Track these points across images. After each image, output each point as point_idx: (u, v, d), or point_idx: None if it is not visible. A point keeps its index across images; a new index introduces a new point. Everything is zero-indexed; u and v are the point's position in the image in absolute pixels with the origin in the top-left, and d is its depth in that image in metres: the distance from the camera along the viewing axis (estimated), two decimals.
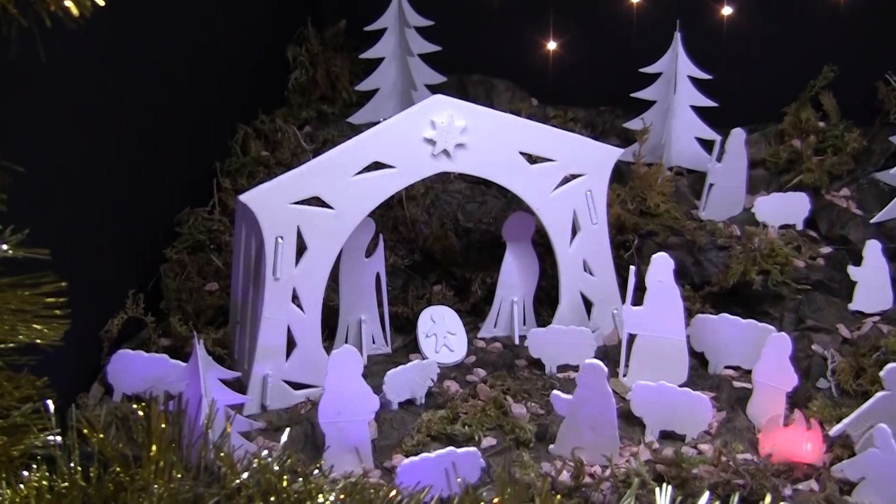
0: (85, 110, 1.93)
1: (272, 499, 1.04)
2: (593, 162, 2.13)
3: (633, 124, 2.58)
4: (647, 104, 2.57)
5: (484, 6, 2.70)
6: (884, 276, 2.24)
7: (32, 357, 1.14)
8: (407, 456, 1.78)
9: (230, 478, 1.06)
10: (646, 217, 2.39)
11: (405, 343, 2.24)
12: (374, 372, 2.04)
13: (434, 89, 2.64)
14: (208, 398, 1.67)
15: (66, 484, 1.04)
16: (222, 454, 1.08)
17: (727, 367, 2.12)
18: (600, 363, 1.76)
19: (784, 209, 2.41)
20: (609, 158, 2.15)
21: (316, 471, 1.11)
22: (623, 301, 2.06)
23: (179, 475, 1.05)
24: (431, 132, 1.97)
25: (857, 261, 2.26)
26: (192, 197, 2.39)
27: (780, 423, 1.86)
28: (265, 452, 1.11)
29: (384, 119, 2.09)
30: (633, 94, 2.57)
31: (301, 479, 1.09)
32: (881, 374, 1.81)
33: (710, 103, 2.53)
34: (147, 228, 2.24)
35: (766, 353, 1.93)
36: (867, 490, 1.71)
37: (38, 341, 1.10)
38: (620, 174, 2.46)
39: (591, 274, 2.20)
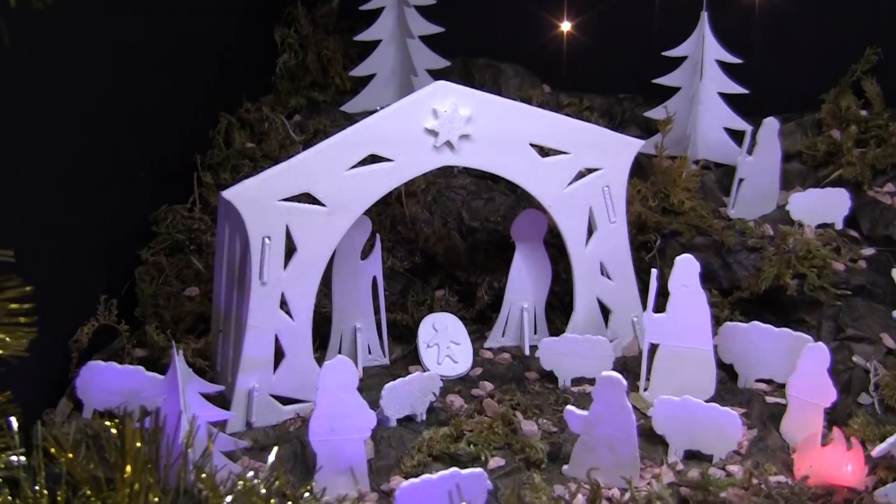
0: (52, 98, 1.94)
1: None
2: (611, 155, 2.14)
3: (656, 113, 2.59)
4: (670, 91, 2.58)
5: None
6: None
7: None
8: (406, 478, 1.78)
9: (212, 502, 1.07)
10: (669, 215, 2.40)
11: (404, 354, 2.24)
12: (371, 385, 2.04)
13: (436, 75, 2.65)
14: (188, 414, 1.68)
15: None
16: (204, 476, 1.08)
17: (759, 381, 2.12)
18: (619, 376, 1.76)
19: (822, 207, 2.41)
20: (629, 151, 2.16)
21: (307, 494, 1.11)
22: (644, 308, 2.07)
23: (157, 499, 1.05)
24: (433, 122, 1.98)
25: None
26: (171, 193, 2.40)
27: (817, 442, 1.86)
28: (251, 474, 1.11)
29: (381, 107, 2.10)
30: (655, 81, 2.57)
31: (290, 503, 1.09)
32: None
33: (740, 90, 2.53)
34: (121, 228, 2.25)
35: (801, 366, 1.93)
36: None
37: (1, 352, 1.10)
38: (641, 168, 2.46)
39: (608, 278, 2.20)
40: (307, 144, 2.47)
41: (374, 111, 2.03)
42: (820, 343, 1.94)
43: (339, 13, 2.84)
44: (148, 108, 2.27)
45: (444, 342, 2.20)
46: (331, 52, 2.81)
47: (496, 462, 1.87)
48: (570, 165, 2.11)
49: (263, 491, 1.07)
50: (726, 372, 2.13)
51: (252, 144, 2.59)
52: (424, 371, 2.08)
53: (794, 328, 2.09)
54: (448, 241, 2.39)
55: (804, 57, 2.60)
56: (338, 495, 1.73)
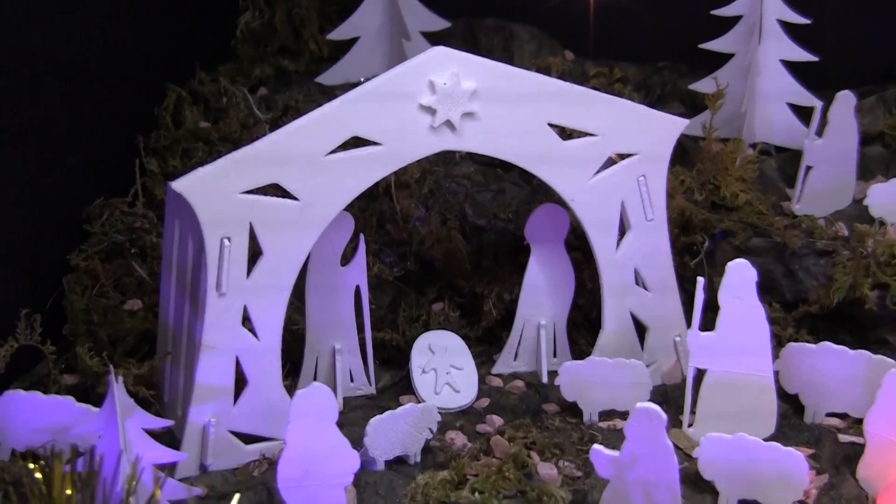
0: None
1: None
2: (649, 137, 2.15)
3: (703, 86, 2.60)
4: (721, 59, 2.59)
5: None
6: None
7: None
8: None
9: None
10: (719, 211, 2.41)
11: (394, 381, 2.26)
12: (353, 420, 2.05)
13: (434, 39, 2.67)
14: (129, 455, 1.69)
15: None
16: None
17: (830, 415, 2.14)
18: (657, 408, 1.77)
19: None
20: (670, 132, 2.17)
21: None
22: (688, 325, 2.08)
23: None
24: (430, 97, 1.99)
25: None
26: (107, 183, 2.41)
27: None
28: None
29: (366, 79, 2.11)
30: (702, 46, 2.59)
31: None
32: None
33: (807, 57, 2.55)
34: (45, 226, 2.26)
35: (883, 396, 1.93)
36: None
37: None
38: (685, 153, 2.47)
39: (644, 288, 2.22)
40: (275, 124, 2.49)
41: (358, 83, 2.04)
42: None
43: None
44: (77, 78, 2.28)
45: (443, 367, 2.22)
46: (304, 11, 2.82)
47: None
48: (598, 150, 2.12)
49: None
50: (790, 404, 2.15)
51: (207, 124, 2.60)
52: (419, 402, 2.09)
53: (873, 350, 2.10)
54: (448, 244, 2.40)
55: (886, 17, 2.61)
56: None
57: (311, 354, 2.18)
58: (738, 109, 2.56)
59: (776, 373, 2.09)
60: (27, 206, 2.16)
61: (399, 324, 2.32)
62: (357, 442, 1.90)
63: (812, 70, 2.55)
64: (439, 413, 2.03)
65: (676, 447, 1.83)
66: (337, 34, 2.76)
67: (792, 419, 2.13)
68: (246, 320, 1.96)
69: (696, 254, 2.37)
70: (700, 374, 2.06)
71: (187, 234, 1.98)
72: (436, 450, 2.03)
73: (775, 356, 2.11)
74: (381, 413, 1.97)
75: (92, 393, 2.03)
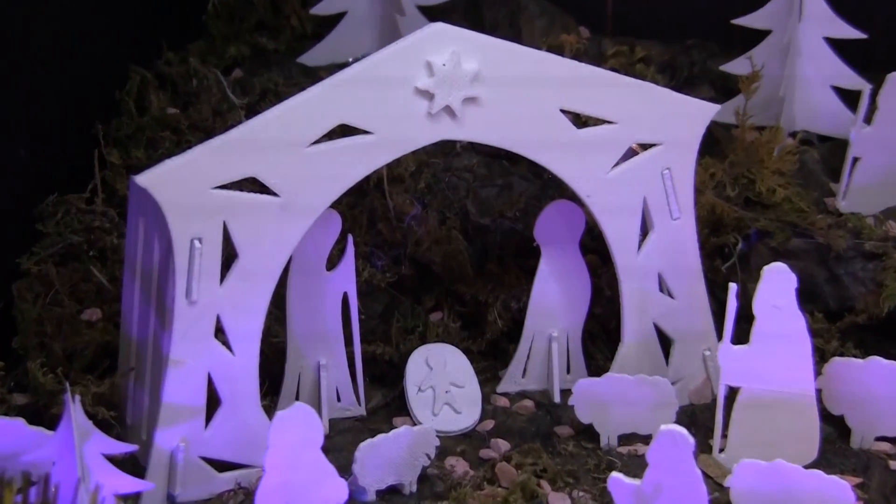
0: None
1: None
2: (674, 125, 2.15)
3: (736, 67, 2.60)
4: (757, 36, 2.60)
5: None
6: None
7: None
8: None
9: None
10: (755, 209, 2.41)
11: (387, 401, 2.26)
12: (341, 444, 2.06)
13: (431, 14, 2.67)
14: (88, 484, 1.69)
15: None
16: None
17: (879, 439, 2.14)
18: (684, 432, 1.78)
19: None
20: (698, 120, 2.18)
21: None
22: (719, 337, 2.08)
23: None
24: (427, 80, 2.00)
25: None
26: (61, 178, 2.41)
27: None
28: None
29: (354, 59, 2.12)
30: (735, 21, 2.59)
31: None
32: None
33: (855, 34, 2.55)
34: None
35: None
36: None
37: None
38: (716, 143, 2.47)
39: (669, 295, 2.22)
40: (252, 110, 2.49)
41: (346, 64, 2.05)
42: None
43: None
44: (26, 58, 2.28)
45: (442, 385, 2.22)
46: None
47: None
48: (617, 140, 2.13)
49: None
50: (834, 427, 2.15)
51: (175, 110, 2.60)
52: (415, 425, 2.10)
53: None
54: (447, 245, 2.41)
55: None
56: None
57: (292, 370, 2.19)
58: (776, 93, 2.56)
59: (819, 391, 2.09)
60: None
61: (392, 336, 2.32)
62: (345, 470, 1.90)
63: (860, 49, 2.55)
64: (438, 437, 2.03)
65: (705, 475, 1.84)
66: (322, 8, 2.76)
67: (836, 444, 2.13)
68: (219, 332, 1.96)
69: (728, 257, 2.37)
70: (732, 393, 2.06)
71: (153, 235, 1.99)
72: (434, 478, 2.03)
73: (818, 372, 2.10)
74: (372, 437, 1.97)
75: (45, 414, 2.03)
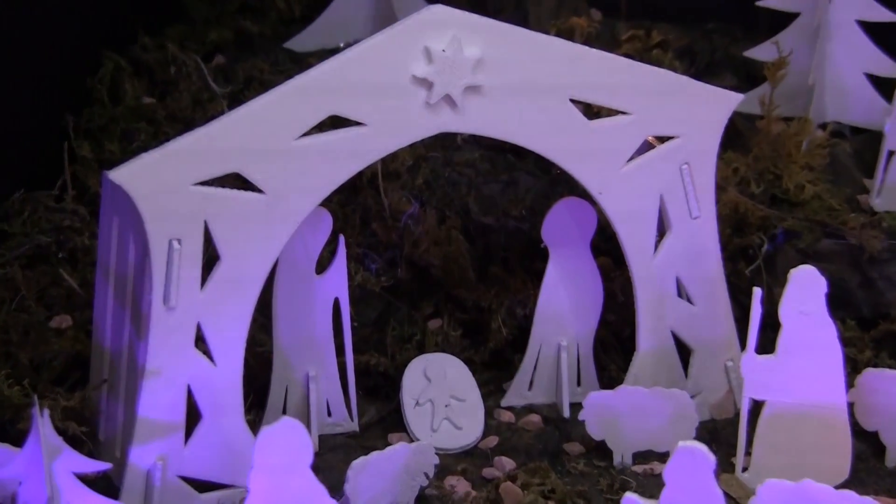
0: None
1: None
2: (694, 116, 2.15)
3: (761, 52, 2.60)
4: (784, 19, 2.59)
5: None
6: None
7: None
8: None
9: None
10: (781, 207, 2.41)
11: (381, 415, 2.26)
12: (332, 462, 2.05)
13: None
14: None
15: None
16: None
17: None
18: (704, 449, 1.78)
19: None
20: (720, 110, 2.17)
21: None
22: (742, 346, 2.08)
23: None
24: (425, 67, 1.99)
25: None
26: (28, 173, 2.41)
27: None
28: None
29: (346, 45, 2.12)
30: (760, 3, 2.59)
31: None
32: None
33: (891, 17, 2.55)
34: None
35: None
36: None
37: None
38: (739, 136, 2.48)
39: (689, 301, 2.22)
40: (235, 99, 2.49)
41: (337, 50, 2.05)
42: None
43: None
44: None
45: (442, 398, 2.22)
46: None
47: None
48: (632, 132, 2.12)
49: None
50: (867, 443, 2.15)
51: (151, 99, 2.60)
52: (412, 441, 2.10)
53: None
54: (447, 247, 2.41)
55: None
56: None
57: (279, 383, 2.19)
58: (805, 82, 2.56)
59: (850, 405, 2.09)
60: None
61: (388, 345, 2.32)
62: (336, 490, 1.90)
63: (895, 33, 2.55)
64: (437, 454, 2.03)
65: (727, 496, 1.83)
66: None
67: (870, 462, 2.13)
68: (200, 341, 1.96)
69: (753, 259, 2.37)
70: (757, 407, 2.06)
71: (128, 235, 1.98)
72: (433, 499, 2.03)
73: (849, 385, 2.11)
74: (366, 454, 1.97)
75: (11, 429, 2.02)
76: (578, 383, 2.29)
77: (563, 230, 2.26)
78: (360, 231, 2.40)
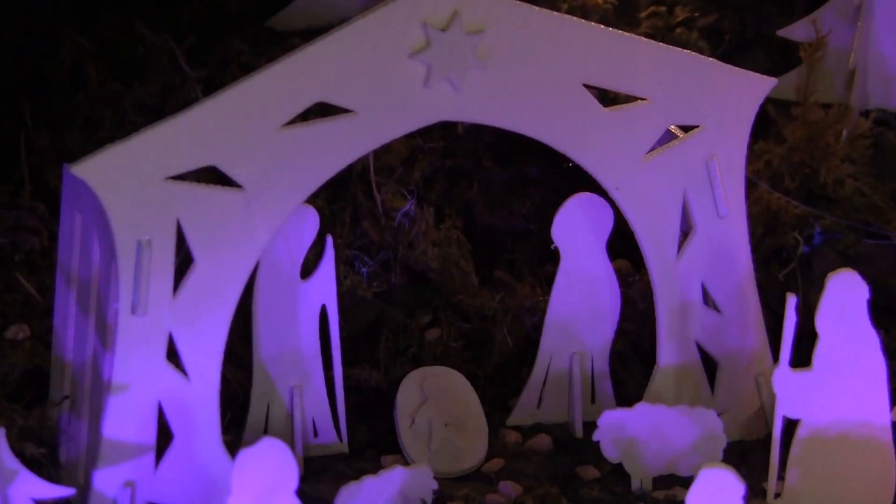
0: None
1: None
2: (721, 103, 2.16)
3: (797, 32, 2.60)
4: None
5: None
6: None
7: None
8: None
9: None
10: (819, 204, 2.42)
11: (374, 435, 2.26)
12: (318, 488, 2.05)
13: None
14: None
15: None
16: None
17: None
18: (732, 473, 1.78)
19: None
20: (750, 96, 2.18)
21: None
22: (775, 359, 2.09)
23: None
24: (422, 42, 2.00)
25: None
26: None
27: None
28: None
29: (333, 23, 2.11)
30: None
31: None
32: None
33: None
34: None
35: None
36: None
37: None
38: (771, 125, 2.48)
39: (715, 309, 2.23)
40: (209, 84, 2.49)
41: (324, 29, 2.04)
42: None
43: None
44: None
45: (441, 416, 2.22)
46: None
47: None
48: (652, 121, 2.13)
49: None
50: None
51: (117, 85, 2.60)
52: (407, 464, 2.10)
53: None
54: (447, 248, 2.41)
55: None
56: None
57: (260, 399, 2.19)
58: (845, 65, 2.57)
59: (895, 423, 2.09)
60: None
61: (380, 357, 2.33)
62: None
63: None
64: (435, 479, 2.03)
65: None
66: None
67: None
68: (172, 353, 1.97)
69: (787, 262, 2.38)
70: (790, 427, 2.07)
71: (92, 236, 1.99)
72: None
73: (894, 402, 2.11)
74: (357, 478, 1.97)
75: None
76: (592, 400, 2.30)
77: (575, 230, 2.26)
78: (350, 231, 2.40)
